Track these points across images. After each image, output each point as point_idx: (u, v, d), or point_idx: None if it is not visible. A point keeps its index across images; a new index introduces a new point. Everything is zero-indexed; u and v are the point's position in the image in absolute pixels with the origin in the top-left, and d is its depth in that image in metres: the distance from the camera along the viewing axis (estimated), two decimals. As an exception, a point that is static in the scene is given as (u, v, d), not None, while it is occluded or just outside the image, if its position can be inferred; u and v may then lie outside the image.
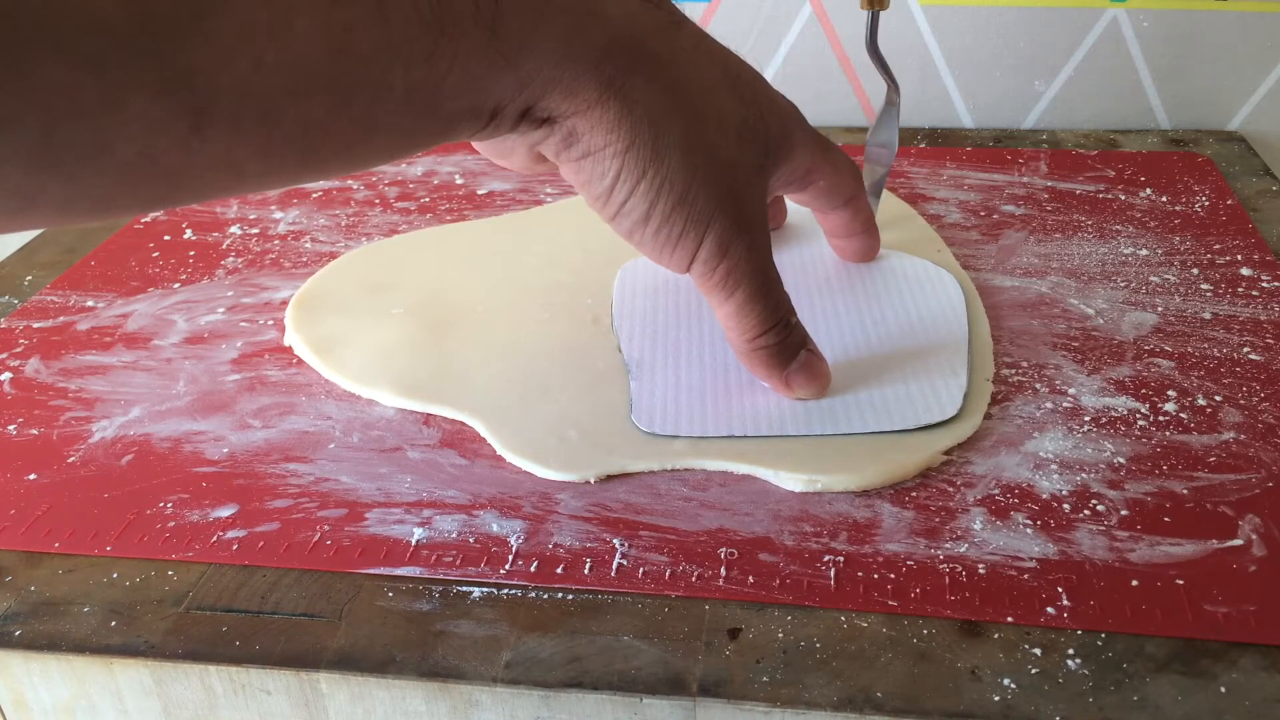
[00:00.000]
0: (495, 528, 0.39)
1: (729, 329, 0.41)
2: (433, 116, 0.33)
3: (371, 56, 0.30)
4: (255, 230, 0.60)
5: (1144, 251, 0.54)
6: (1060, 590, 0.35)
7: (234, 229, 0.61)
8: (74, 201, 0.27)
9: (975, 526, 0.37)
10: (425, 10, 0.31)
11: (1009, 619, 0.34)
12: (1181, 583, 0.35)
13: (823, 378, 0.42)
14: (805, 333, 0.42)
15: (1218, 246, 0.54)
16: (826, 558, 0.37)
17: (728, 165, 0.37)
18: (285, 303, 0.52)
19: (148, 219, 0.62)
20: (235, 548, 0.38)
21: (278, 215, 0.62)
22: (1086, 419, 0.42)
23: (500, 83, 0.33)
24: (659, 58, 0.36)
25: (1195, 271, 0.52)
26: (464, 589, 0.36)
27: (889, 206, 0.59)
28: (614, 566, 0.37)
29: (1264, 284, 0.51)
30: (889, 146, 0.54)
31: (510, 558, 0.37)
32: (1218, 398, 0.43)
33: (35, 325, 0.52)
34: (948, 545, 0.37)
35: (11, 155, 0.25)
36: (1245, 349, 0.46)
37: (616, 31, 0.35)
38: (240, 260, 0.57)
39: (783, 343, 0.41)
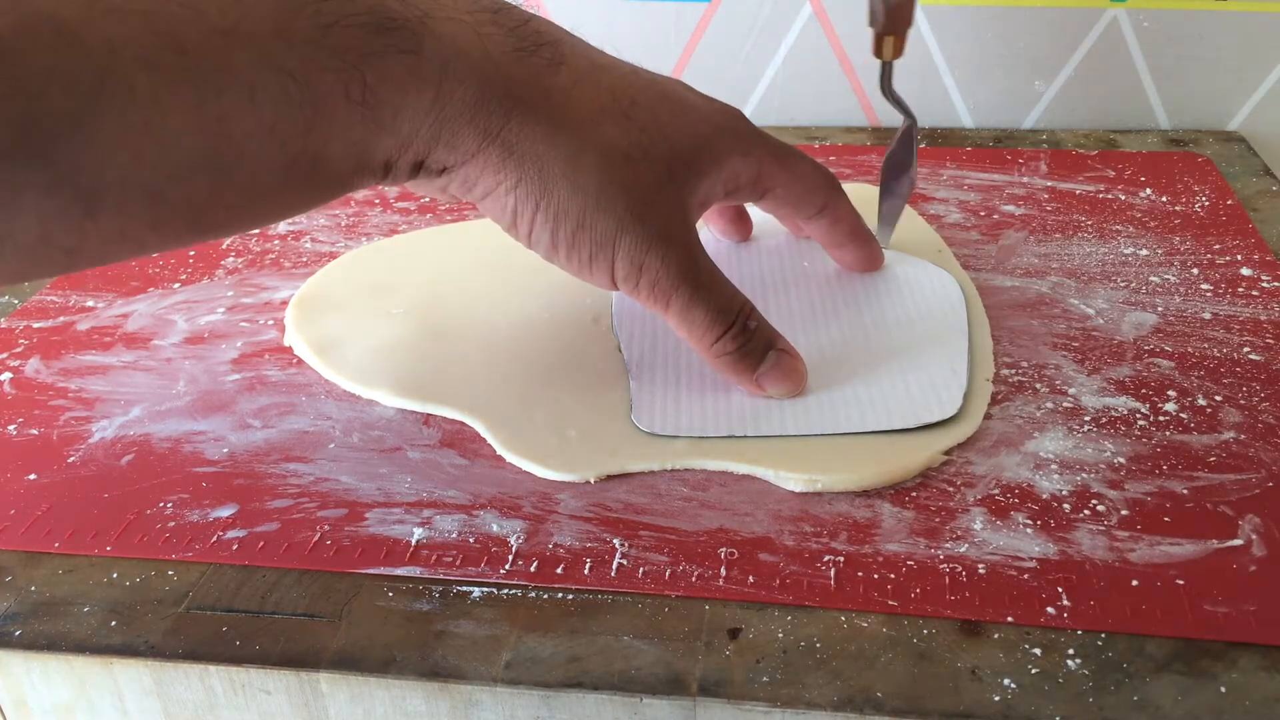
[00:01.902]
0: (495, 528, 0.39)
1: (684, 339, 0.42)
2: (322, 178, 0.36)
3: (246, 138, 0.33)
4: (255, 230, 0.60)
5: (1144, 251, 0.54)
6: (1060, 590, 0.35)
7: (234, 229, 0.61)
8: None
9: (975, 526, 0.37)
10: (294, 93, 0.33)
11: (1009, 619, 0.34)
12: (1181, 583, 0.35)
13: (796, 376, 0.42)
14: (773, 333, 0.43)
15: (1218, 246, 0.54)
16: (826, 558, 0.37)
17: (621, 188, 0.39)
18: (285, 303, 0.52)
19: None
20: (235, 548, 0.38)
21: (278, 215, 0.62)
22: (1086, 419, 0.42)
23: (383, 144, 0.36)
24: (532, 101, 0.38)
25: (1195, 271, 0.52)
26: (464, 589, 0.36)
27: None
28: (614, 566, 0.37)
29: (1264, 284, 0.51)
30: (909, 174, 0.52)
31: (510, 558, 0.37)
32: (1218, 398, 0.43)
33: (35, 325, 0.52)
34: (948, 545, 0.37)
35: None
36: (1245, 349, 0.46)
37: (485, 85, 0.37)
38: (240, 260, 0.57)
39: (744, 347, 0.42)
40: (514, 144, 0.38)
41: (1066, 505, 0.38)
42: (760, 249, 0.53)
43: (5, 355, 0.50)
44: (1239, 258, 0.53)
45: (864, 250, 0.50)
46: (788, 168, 0.45)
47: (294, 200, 0.36)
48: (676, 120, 0.41)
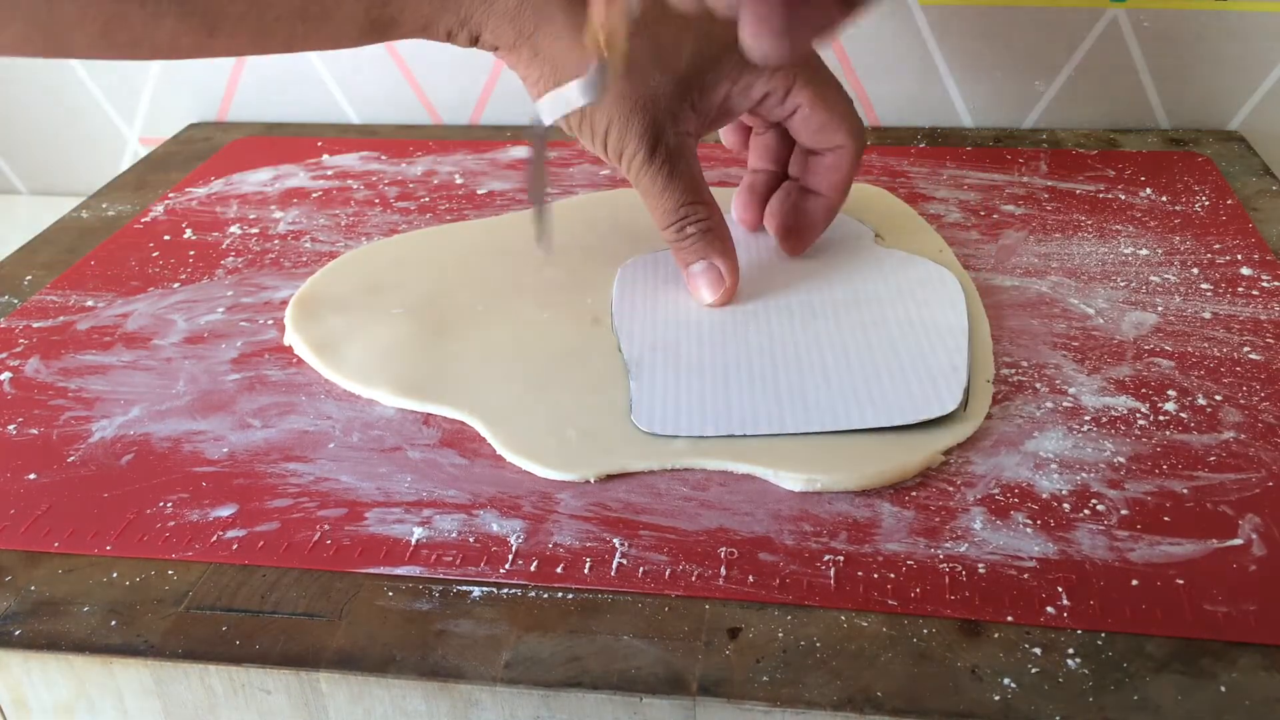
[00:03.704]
0: (495, 527, 0.39)
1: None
2: (394, 34, 0.46)
3: (337, 3, 0.43)
4: (255, 230, 0.60)
5: (1144, 251, 0.54)
6: (1060, 590, 0.35)
7: (234, 229, 0.61)
8: (138, 53, 0.43)
9: (975, 526, 0.37)
10: None
11: (1009, 619, 0.34)
12: (1181, 582, 0.35)
13: (718, 289, 0.48)
14: (712, 246, 0.48)
15: (1218, 246, 0.54)
16: (826, 557, 0.37)
17: (621, 95, 0.46)
18: (285, 303, 0.52)
19: (147, 219, 0.62)
20: (235, 547, 0.38)
21: (278, 215, 0.62)
22: (1086, 419, 0.42)
23: (445, 18, 0.45)
24: (560, 14, 0.45)
25: (1195, 271, 0.52)
26: (464, 589, 0.36)
27: (890, 207, 0.59)
28: (614, 566, 0.37)
29: (1264, 284, 0.51)
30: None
31: (510, 557, 0.37)
32: (1218, 397, 0.43)
33: (35, 325, 0.52)
34: (948, 545, 0.37)
35: (81, 45, 0.42)
36: (1245, 349, 0.46)
37: None
38: (240, 260, 0.57)
39: (679, 243, 0.48)
40: (540, 48, 0.46)
41: (1066, 505, 0.38)
42: (765, 245, 0.53)
43: (5, 355, 0.50)
44: (1239, 258, 0.53)
45: (807, 220, 0.51)
46: (820, 97, 0.48)
47: (367, 43, 0.46)
48: (696, 38, 0.46)
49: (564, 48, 0.45)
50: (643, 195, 0.48)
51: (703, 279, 0.48)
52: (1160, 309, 0.49)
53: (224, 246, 0.59)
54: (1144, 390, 0.44)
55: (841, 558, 0.36)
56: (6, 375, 0.48)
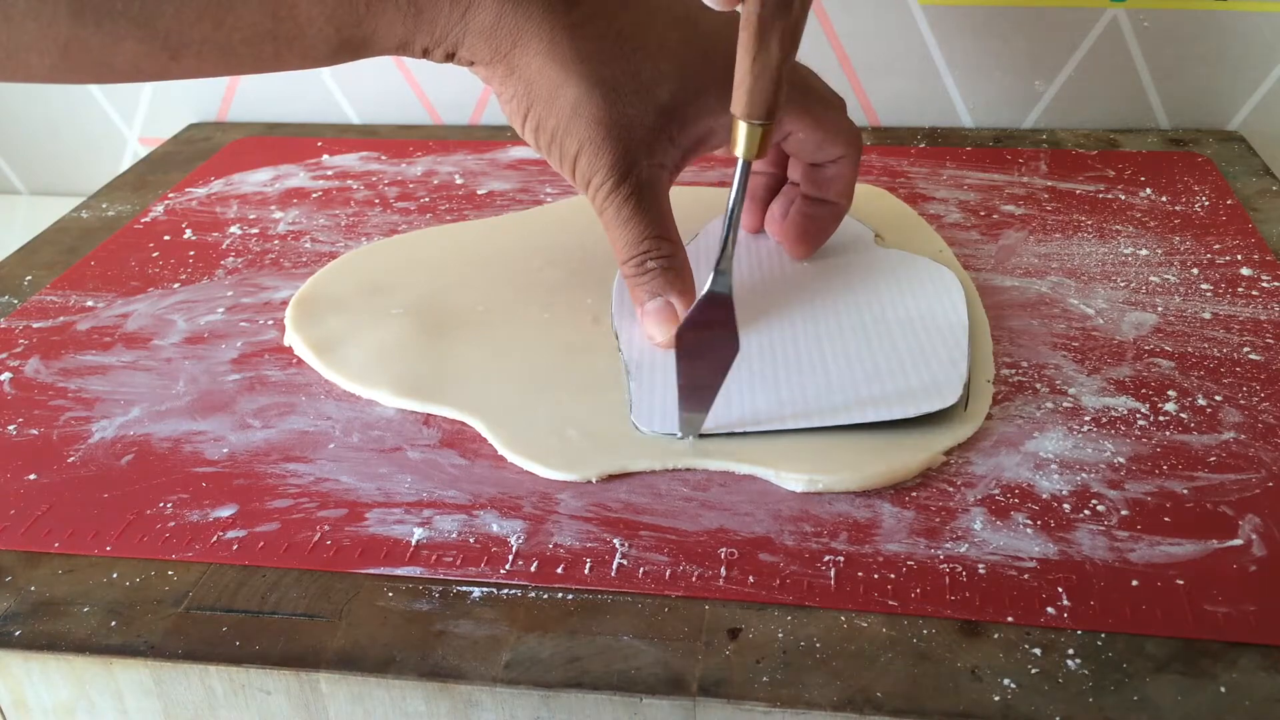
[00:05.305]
0: (495, 528, 0.39)
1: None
2: (366, 54, 0.44)
3: (309, 22, 0.41)
4: (255, 230, 0.60)
5: (1144, 251, 0.54)
6: (1060, 590, 0.35)
7: (234, 229, 0.61)
8: (101, 77, 0.42)
9: (975, 526, 0.37)
10: None
11: (1009, 619, 0.34)
12: (1181, 583, 0.35)
13: (671, 328, 0.45)
14: (675, 285, 0.45)
15: (1218, 246, 0.54)
16: (826, 558, 0.37)
17: (590, 120, 0.44)
18: (285, 303, 0.52)
19: (147, 219, 0.62)
20: (235, 548, 0.38)
21: (277, 215, 0.62)
22: (1086, 419, 0.42)
23: (420, 38, 0.44)
24: (536, 34, 0.44)
25: (1195, 271, 0.52)
26: (464, 589, 0.36)
27: (890, 207, 0.59)
28: (614, 566, 0.37)
29: (1264, 284, 0.51)
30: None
31: (510, 558, 0.37)
32: (1218, 398, 0.43)
33: (35, 325, 0.52)
34: (948, 545, 0.37)
35: (41, 69, 0.40)
36: (1245, 349, 0.46)
37: (501, 12, 0.43)
38: (240, 260, 0.57)
39: (636, 277, 0.46)
40: (515, 66, 0.44)
41: (1066, 505, 0.38)
42: (765, 246, 0.53)
43: (5, 355, 0.50)
44: (1239, 258, 0.53)
45: (815, 225, 0.51)
46: (814, 119, 0.47)
47: (339, 62, 0.44)
48: (682, 68, 0.45)
49: (539, 66, 0.44)
50: (605, 226, 0.46)
51: (656, 317, 0.46)
52: (1160, 309, 0.49)
53: (224, 247, 0.59)
54: (1144, 390, 0.44)
55: (842, 558, 0.37)
56: (6, 375, 0.48)
